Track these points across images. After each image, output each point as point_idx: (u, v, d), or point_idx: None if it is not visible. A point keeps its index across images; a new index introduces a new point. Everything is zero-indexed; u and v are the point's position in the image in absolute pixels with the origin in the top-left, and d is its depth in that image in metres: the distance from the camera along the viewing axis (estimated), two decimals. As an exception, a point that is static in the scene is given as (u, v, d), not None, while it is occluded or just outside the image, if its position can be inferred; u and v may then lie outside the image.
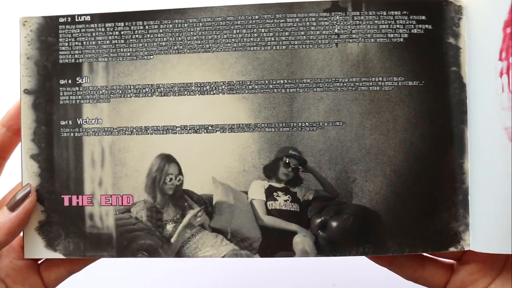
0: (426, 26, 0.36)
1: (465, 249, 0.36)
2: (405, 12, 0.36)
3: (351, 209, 0.36)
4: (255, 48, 0.36)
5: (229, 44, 0.36)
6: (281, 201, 0.37)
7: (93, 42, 0.38)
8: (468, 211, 0.36)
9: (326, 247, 0.36)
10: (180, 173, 0.37)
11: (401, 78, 0.36)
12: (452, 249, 0.36)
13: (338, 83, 0.36)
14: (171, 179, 0.37)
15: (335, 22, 0.36)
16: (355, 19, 0.36)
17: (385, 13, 0.36)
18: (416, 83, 0.36)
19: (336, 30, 0.36)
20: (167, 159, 0.37)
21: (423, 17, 0.36)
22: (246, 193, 0.37)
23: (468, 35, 0.36)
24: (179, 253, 0.37)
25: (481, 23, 0.35)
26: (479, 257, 0.37)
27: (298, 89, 0.36)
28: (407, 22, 0.36)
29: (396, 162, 0.36)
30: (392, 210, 0.36)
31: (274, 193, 0.37)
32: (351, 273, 0.57)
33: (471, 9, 0.36)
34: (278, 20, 0.36)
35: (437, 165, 0.36)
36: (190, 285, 0.56)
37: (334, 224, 0.36)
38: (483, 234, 0.35)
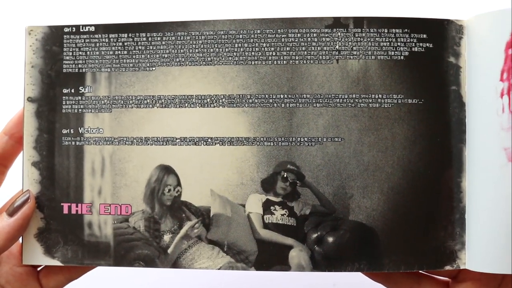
0: (427, 44, 0.36)
1: (461, 268, 0.36)
2: (406, 30, 0.36)
3: (347, 225, 0.36)
4: (256, 62, 0.37)
5: (230, 58, 0.37)
6: (278, 215, 0.37)
7: (97, 53, 0.38)
8: (464, 230, 0.36)
9: (321, 262, 0.36)
10: (179, 184, 0.37)
11: (400, 96, 0.36)
12: (448, 267, 0.36)
13: (338, 99, 0.36)
14: (169, 190, 0.37)
15: (337, 39, 0.36)
16: (356, 36, 0.36)
17: (386, 31, 0.36)
18: (415, 101, 0.36)
19: (337, 47, 0.36)
20: (166, 170, 0.37)
21: (424, 36, 0.36)
22: (244, 206, 0.37)
23: (468, 55, 0.36)
24: (175, 264, 0.37)
25: (483, 43, 0.35)
26: (475, 275, 0.37)
27: (297, 104, 0.36)
28: (408, 40, 0.36)
29: (394, 179, 0.36)
30: (388, 227, 0.36)
31: (271, 207, 0.37)
32: (351, 273, 0.57)
33: (472, 29, 0.36)
34: (280, 35, 0.36)
35: (434, 184, 0.36)
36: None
37: (330, 239, 0.36)
38: (479, 253, 0.35)
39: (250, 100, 0.37)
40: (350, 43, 0.36)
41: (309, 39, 0.36)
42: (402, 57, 0.36)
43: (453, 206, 0.36)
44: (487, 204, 0.34)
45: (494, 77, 0.34)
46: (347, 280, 0.55)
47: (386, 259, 0.36)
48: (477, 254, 0.35)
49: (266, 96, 0.36)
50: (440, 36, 0.36)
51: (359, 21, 0.36)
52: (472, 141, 0.35)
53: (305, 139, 0.36)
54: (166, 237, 0.37)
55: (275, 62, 0.36)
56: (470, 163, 0.35)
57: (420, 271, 0.38)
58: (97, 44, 0.38)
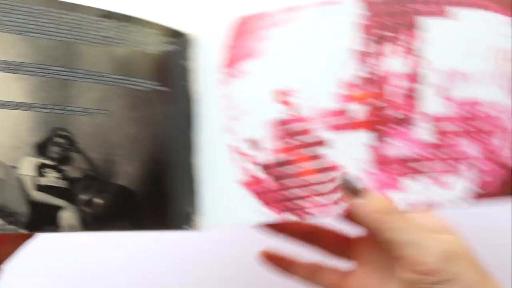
0: (174, 46, 0.44)
1: (194, 229, 0.44)
2: (164, 32, 0.44)
3: (113, 188, 0.40)
4: (36, 35, 0.39)
5: (12, 27, 0.38)
6: (51, 178, 0.38)
7: None
8: (196, 196, 0.44)
9: (91, 222, 0.39)
10: None
11: (156, 83, 0.43)
12: (184, 227, 0.43)
13: (107, 78, 0.41)
14: None
15: (107, 27, 0.41)
16: (125, 29, 0.42)
17: (148, 29, 0.43)
18: (165, 89, 0.43)
19: (109, 34, 0.41)
20: None
21: (173, 39, 0.44)
22: (17, 168, 0.37)
23: (198, 60, 0.46)
24: None
25: (208, 52, 0.45)
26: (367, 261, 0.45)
27: (72, 77, 0.40)
28: (163, 40, 0.44)
29: (150, 151, 0.42)
30: (147, 191, 0.42)
31: (44, 170, 0.38)
32: None
33: (200, 37, 0.46)
34: (60, 15, 0.40)
35: (177, 157, 0.44)
36: None
37: (98, 201, 0.40)
38: (210, 212, 0.44)
39: (28, 68, 0.38)
40: (119, 33, 0.42)
41: (85, 23, 0.41)
42: (158, 52, 0.43)
43: (187, 177, 0.44)
44: (212, 169, 0.44)
45: (215, 70, 0.45)
46: None
47: (144, 219, 0.41)
48: (208, 214, 0.44)
49: (44, 66, 0.39)
50: (181, 42, 0.45)
51: (128, 18, 0.42)
52: (201, 123, 0.45)
53: (78, 109, 0.40)
54: None
55: (53, 38, 0.39)
56: (199, 140, 0.45)
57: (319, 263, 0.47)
58: None
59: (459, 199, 0.40)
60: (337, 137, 0.40)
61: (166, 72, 0.44)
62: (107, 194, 0.40)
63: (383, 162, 0.40)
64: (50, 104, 0.39)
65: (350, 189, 0.39)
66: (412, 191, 0.40)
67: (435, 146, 0.40)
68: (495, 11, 0.42)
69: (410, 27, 0.41)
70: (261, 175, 0.42)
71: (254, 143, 0.42)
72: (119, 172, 0.41)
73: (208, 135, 0.44)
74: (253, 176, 0.42)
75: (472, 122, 0.40)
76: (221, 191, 0.43)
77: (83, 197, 0.39)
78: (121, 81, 0.42)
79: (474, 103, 0.40)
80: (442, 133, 0.40)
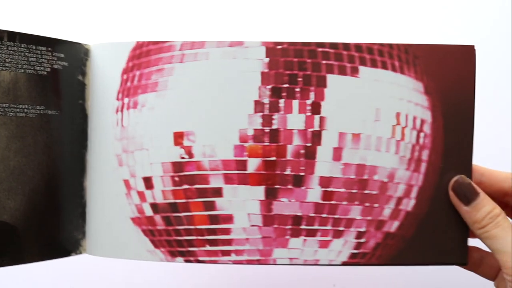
0: (64, 63, 0.41)
1: (83, 253, 0.43)
2: (49, 48, 0.40)
3: (-7, 225, 0.38)
4: None
5: None
6: None
7: None
8: (85, 221, 0.43)
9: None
10: None
11: (43, 107, 0.40)
12: (73, 254, 0.43)
13: (-10, 107, 0.37)
14: None
15: (-9, 49, 0.37)
16: (9, 49, 0.38)
17: (34, 47, 0.39)
18: (53, 112, 0.40)
19: (-9, 57, 0.37)
20: None
21: (62, 55, 0.41)
22: None
23: (92, 75, 0.43)
24: None
25: (104, 67, 0.43)
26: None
27: None
28: (50, 58, 0.40)
29: (34, 182, 0.40)
30: (28, 224, 0.40)
31: None
32: (351, 273, 0.54)
33: (96, 53, 0.43)
34: None
35: (65, 184, 0.42)
36: None
37: (-24, 240, 0.37)
38: (97, 241, 0.43)
39: None
40: (3, 55, 0.37)
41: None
42: (45, 72, 0.40)
43: (77, 202, 0.42)
44: (103, 199, 0.43)
45: (112, 96, 0.42)
46: (347, 280, 0.53)
47: (26, 252, 0.40)
48: (96, 241, 0.43)
49: None
50: (73, 56, 0.42)
51: (12, 35, 0.38)
52: (93, 148, 0.43)
53: (-45, 144, 0.36)
54: None
55: None
56: (91, 166, 0.43)
57: None
58: None
59: (338, 260, 0.42)
60: (230, 188, 0.41)
61: (57, 93, 0.41)
62: (-14, 232, 0.38)
63: (270, 218, 0.41)
64: None
65: (462, 195, 0.40)
66: (295, 249, 0.41)
67: (318, 207, 0.41)
68: (401, 70, 0.42)
69: (309, 79, 0.41)
70: (151, 214, 0.42)
71: (146, 181, 0.42)
72: (0, 208, 0.38)
73: (101, 160, 0.43)
74: (143, 214, 0.42)
75: (357, 186, 0.41)
76: (110, 222, 0.43)
77: (-40, 238, 0.37)
78: (5, 109, 0.38)
79: (362, 167, 0.41)
80: (327, 195, 0.41)
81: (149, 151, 0.41)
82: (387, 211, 0.42)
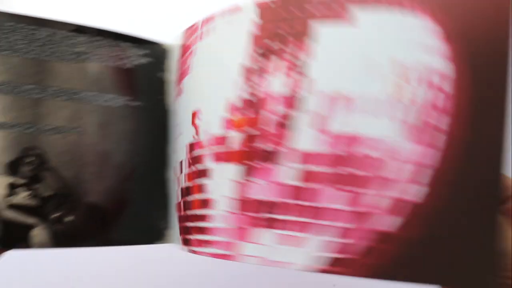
0: (148, 59, 0.44)
1: (168, 243, 0.45)
2: (135, 44, 0.44)
3: (83, 205, 0.41)
4: (7, 52, 0.38)
5: (-17, 45, 0.37)
6: (22, 197, 0.39)
7: None
8: (170, 212, 0.45)
9: (62, 239, 0.40)
10: None
11: (128, 98, 0.43)
12: (157, 242, 0.44)
13: (79, 95, 0.41)
14: None
15: (80, 42, 0.41)
16: (97, 43, 0.42)
17: (121, 42, 0.43)
18: (137, 103, 0.44)
19: (80, 49, 0.41)
20: None
21: (147, 51, 0.44)
22: (-13, 188, 0.37)
23: (172, 72, 0.46)
24: None
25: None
26: None
27: (44, 95, 0.39)
28: (136, 53, 0.44)
29: (121, 167, 0.43)
30: (116, 208, 0.42)
31: (16, 189, 0.38)
32: (352, 276, 0.57)
33: (176, 52, 0.46)
34: (30, 31, 0.39)
35: (150, 173, 0.44)
36: None
37: (68, 218, 0.40)
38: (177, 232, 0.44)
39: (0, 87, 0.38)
40: (91, 48, 0.42)
41: (56, 38, 0.40)
42: (131, 66, 0.43)
43: (162, 192, 0.45)
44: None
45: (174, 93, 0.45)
46: (347, 280, 0.56)
47: (113, 234, 0.42)
48: (176, 233, 0.44)
49: (15, 85, 0.38)
50: (155, 54, 0.45)
51: (100, 31, 0.42)
52: (174, 143, 0.45)
53: (50, 127, 0.40)
54: None
55: (25, 55, 0.39)
56: (172, 159, 0.45)
57: None
58: None
59: (308, 262, 0.32)
60: (216, 168, 0.37)
61: (140, 86, 0.44)
62: (78, 211, 0.41)
63: (244, 203, 0.35)
64: (22, 123, 0.39)
65: None
66: (262, 244, 0.34)
67: (296, 192, 0.32)
68: (413, 9, 0.30)
69: (300, 36, 0.33)
70: (179, 200, 0.42)
71: (179, 166, 0.42)
72: (90, 190, 0.41)
73: (179, 155, 0.44)
74: (178, 200, 0.42)
75: (345, 164, 0.31)
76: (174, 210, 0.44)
77: (54, 215, 0.40)
78: (93, 98, 0.42)
79: (352, 139, 0.31)
80: (307, 176, 0.32)
81: (181, 135, 0.42)
82: (385, 202, 0.30)
